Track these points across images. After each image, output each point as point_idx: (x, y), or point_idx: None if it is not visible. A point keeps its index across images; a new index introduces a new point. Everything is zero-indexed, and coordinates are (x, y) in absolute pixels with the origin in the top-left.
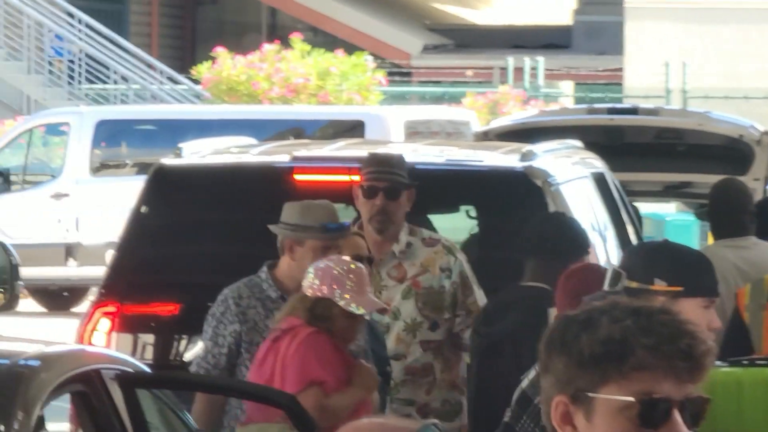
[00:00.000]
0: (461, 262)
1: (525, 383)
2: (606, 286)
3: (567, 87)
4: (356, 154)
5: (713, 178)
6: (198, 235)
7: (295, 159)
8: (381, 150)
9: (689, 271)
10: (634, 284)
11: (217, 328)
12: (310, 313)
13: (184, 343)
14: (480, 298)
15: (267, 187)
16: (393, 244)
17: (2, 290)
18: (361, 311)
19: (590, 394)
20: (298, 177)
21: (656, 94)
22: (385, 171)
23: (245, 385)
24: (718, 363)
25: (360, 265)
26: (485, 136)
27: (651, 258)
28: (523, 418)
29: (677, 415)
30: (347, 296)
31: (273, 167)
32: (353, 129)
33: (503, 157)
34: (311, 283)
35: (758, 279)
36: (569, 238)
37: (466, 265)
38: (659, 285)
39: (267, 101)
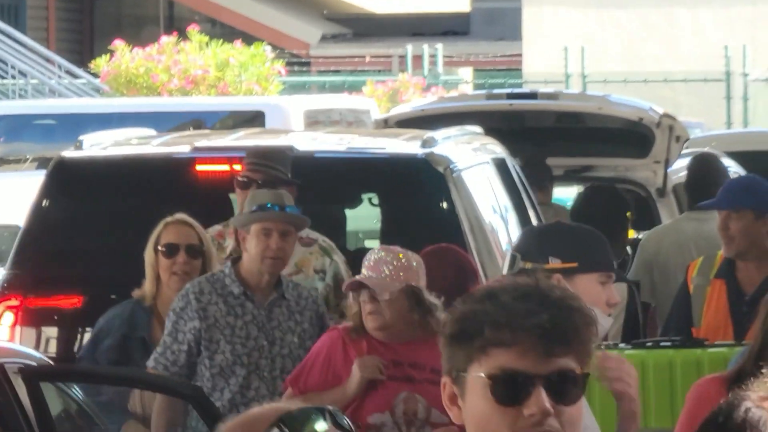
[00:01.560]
0: (337, 264)
1: None
2: (505, 271)
3: (466, 74)
4: (256, 143)
5: (614, 162)
6: (100, 227)
7: (196, 149)
8: (268, 143)
9: (583, 247)
10: (528, 265)
11: (177, 323)
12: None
13: (87, 335)
14: None
15: (168, 178)
16: None
17: None
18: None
19: (461, 374)
20: (199, 168)
21: (556, 79)
22: (261, 164)
23: (150, 377)
24: (622, 345)
25: (385, 249)
26: (385, 124)
27: (544, 237)
28: None
29: (539, 391)
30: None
31: (174, 158)
32: (253, 119)
33: (404, 144)
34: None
35: (711, 254)
36: (607, 212)
37: (343, 267)
38: (554, 263)
39: (166, 93)
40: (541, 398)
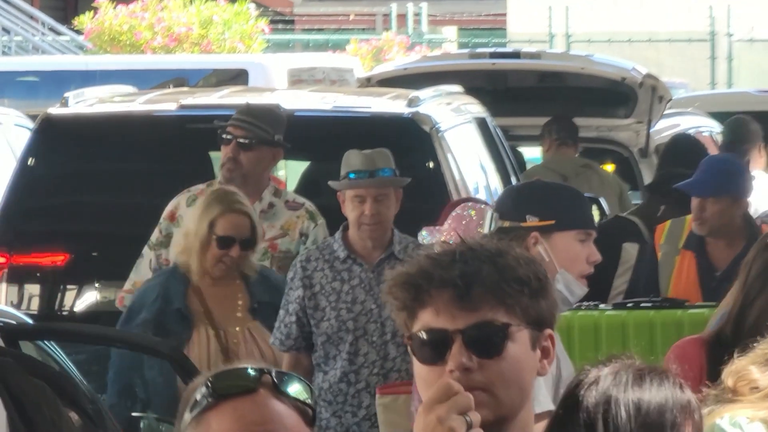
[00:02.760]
0: (320, 229)
1: None
2: (486, 230)
3: (450, 33)
4: (241, 101)
5: (597, 122)
6: (86, 184)
7: (184, 107)
8: (263, 101)
9: (560, 205)
10: (506, 223)
11: (288, 295)
12: None
13: (73, 292)
14: None
15: (155, 136)
16: (255, 202)
17: None
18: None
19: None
20: (188, 125)
21: (540, 39)
22: (246, 120)
23: (127, 336)
24: (602, 306)
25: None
26: (368, 83)
27: (522, 195)
28: None
29: (455, 346)
30: None
31: (161, 116)
32: (236, 78)
33: (390, 103)
34: None
35: (678, 219)
36: (674, 176)
37: (325, 231)
38: (531, 221)
39: (150, 51)
40: (458, 353)
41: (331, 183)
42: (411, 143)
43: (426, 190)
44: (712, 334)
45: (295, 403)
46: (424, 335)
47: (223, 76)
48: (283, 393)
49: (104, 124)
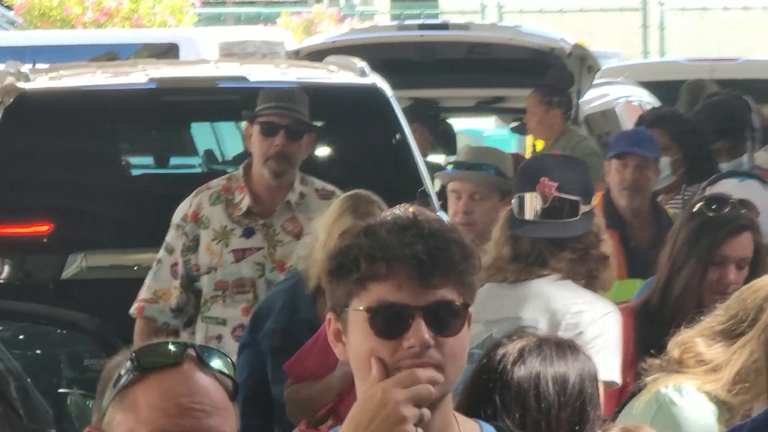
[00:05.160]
0: None
1: None
2: (530, 216)
3: (382, 5)
4: (216, 74)
5: (526, 93)
6: (62, 158)
7: (154, 80)
8: (229, 75)
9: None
10: (586, 207)
11: None
12: None
13: (54, 264)
14: None
15: (131, 108)
16: (288, 193)
17: None
18: None
19: (344, 309)
20: (164, 98)
21: (471, 10)
22: (288, 107)
23: (52, 312)
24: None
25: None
26: (296, 56)
27: (584, 176)
28: None
29: (418, 322)
30: None
31: (136, 89)
32: (167, 52)
33: (344, 74)
34: None
35: None
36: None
37: None
38: (593, 200)
39: (80, 26)
40: (421, 330)
41: (437, 175)
42: (377, 113)
43: (396, 159)
44: (639, 304)
45: (218, 376)
46: (381, 309)
47: (154, 50)
48: (207, 366)
49: (77, 99)
